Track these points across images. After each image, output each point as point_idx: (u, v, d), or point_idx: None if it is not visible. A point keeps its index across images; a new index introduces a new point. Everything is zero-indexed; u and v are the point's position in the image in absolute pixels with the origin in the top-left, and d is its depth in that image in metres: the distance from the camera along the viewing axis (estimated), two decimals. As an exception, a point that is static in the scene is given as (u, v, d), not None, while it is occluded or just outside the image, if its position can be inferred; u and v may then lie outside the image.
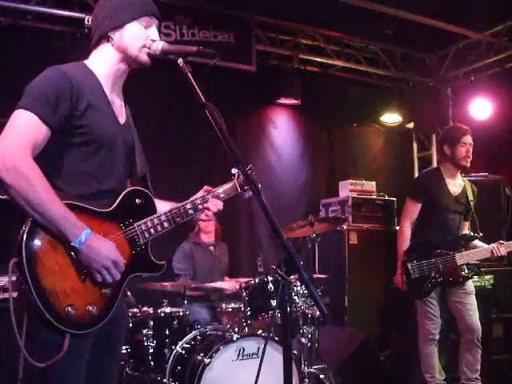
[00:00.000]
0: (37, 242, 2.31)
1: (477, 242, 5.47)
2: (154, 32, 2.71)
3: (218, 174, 6.98)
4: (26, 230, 2.29)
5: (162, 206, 2.82)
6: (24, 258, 2.26)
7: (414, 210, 5.63)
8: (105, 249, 2.42)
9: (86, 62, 2.68)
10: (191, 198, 2.86)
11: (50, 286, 2.30)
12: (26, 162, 2.30)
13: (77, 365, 2.43)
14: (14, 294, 2.31)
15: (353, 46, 8.48)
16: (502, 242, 5.30)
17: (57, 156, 2.48)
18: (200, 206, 2.84)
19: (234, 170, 2.91)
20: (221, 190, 2.94)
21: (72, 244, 2.34)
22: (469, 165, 5.55)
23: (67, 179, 2.48)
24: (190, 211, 2.80)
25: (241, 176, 2.88)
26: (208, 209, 2.86)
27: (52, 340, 2.33)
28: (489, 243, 5.39)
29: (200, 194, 2.91)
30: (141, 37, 2.66)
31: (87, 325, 2.41)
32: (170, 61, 2.59)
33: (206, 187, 2.94)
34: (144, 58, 2.67)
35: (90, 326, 2.42)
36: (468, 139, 5.45)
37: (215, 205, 2.88)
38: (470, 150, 5.46)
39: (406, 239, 5.56)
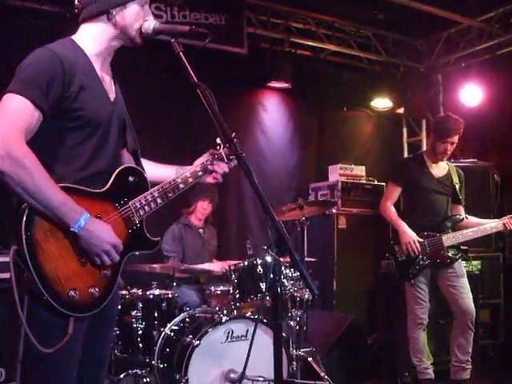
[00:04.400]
0: (36, 229, 2.28)
1: (478, 220, 5.54)
2: (148, 11, 2.68)
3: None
4: (24, 217, 2.26)
5: (169, 170, 2.89)
6: (24, 246, 2.24)
7: (394, 193, 5.68)
8: (104, 233, 2.41)
9: (74, 37, 2.61)
10: (184, 171, 2.86)
11: (51, 272, 2.29)
12: (21, 148, 2.26)
13: (75, 347, 2.44)
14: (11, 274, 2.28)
15: (344, 31, 8.45)
16: None
17: (52, 141, 2.44)
18: (190, 179, 2.82)
19: (219, 140, 2.87)
20: (209, 162, 2.92)
21: (71, 229, 2.32)
22: (444, 159, 5.58)
23: (63, 163, 2.44)
24: (181, 185, 2.78)
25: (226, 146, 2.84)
26: (215, 171, 2.88)
27: (56, 324, 2.34)
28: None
29: (204, 157, 2.92)
30: (140, 18, 2.63)
31: (90, 307, 2.42)
32: (162, 40, 2.59)
33: (211, 150, 2.93)
34: (139, 39, 2.66)
35: (93, 308, 2.43)
36: (452, 139, 5.40)
37: (221, 167, 2.89)
38: (450, 148, 5.44)
39: (390, 209, 5.59)
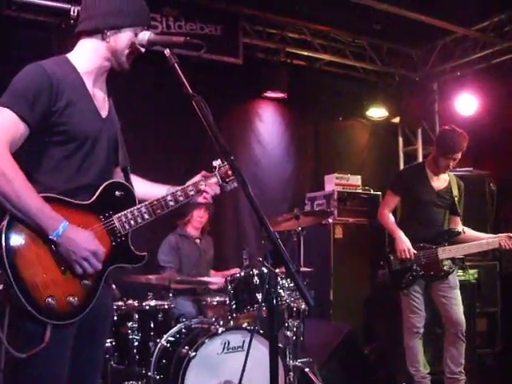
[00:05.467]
0: (16, 235, 2.33)
1: (475, 234, 5.53)
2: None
3: (203, 166, 6.92)
4: (5, 224, 2.31)
5: (160, 190, 2.86)
6: (4, 251, 2.27)
7: (392, 201, 5.69)
8: (82, 239, 2.42)
9: (68, 55, 2.67)
10: (175, 190, 2.85)
11: (30, 278, 2.31)
12: (3, 157, 2.31)
13: (58, 355, 2.44)
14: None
15: (340, 40, 8.47)
16: (510, 235, 5.32)
17: (38, 154, 2.50)
18: (181, 198, 2.81)
19: (216, 163, 2.90)
20: (202, 183, 2.91)
21: (50, 237, 2.35)
22: (446, 173, 5.56)
23: (49, 175, 2.49)
24: (171, 203, 2.78)
25: (222, 168, 2.89)
26: (206, 192, 2.88)
27: (34, 331, 2.35)
28: (473, 238, 5.44)
29: (196, 178, 2.91)
30: (131, 45, 2.67)
31: (68, 315, 2.43)
32: (156, 52, 2.59)
33: (203, 172, 2.94)
34: (127, 65, 2.71)
35: (71, 316, 2.43)
36: (456, 155, 5.37)
37: (213, 189, 2.89)
38: (453, 164, 5.42)
39: (388, 216, 5.59)
